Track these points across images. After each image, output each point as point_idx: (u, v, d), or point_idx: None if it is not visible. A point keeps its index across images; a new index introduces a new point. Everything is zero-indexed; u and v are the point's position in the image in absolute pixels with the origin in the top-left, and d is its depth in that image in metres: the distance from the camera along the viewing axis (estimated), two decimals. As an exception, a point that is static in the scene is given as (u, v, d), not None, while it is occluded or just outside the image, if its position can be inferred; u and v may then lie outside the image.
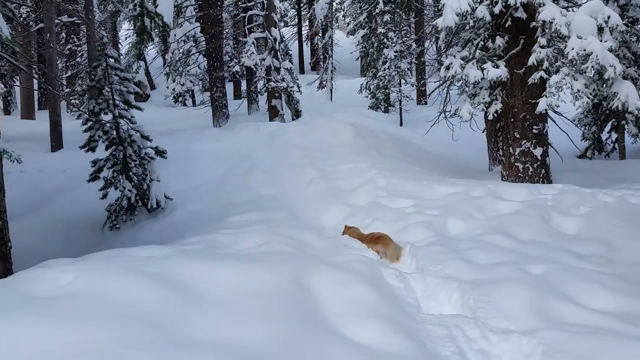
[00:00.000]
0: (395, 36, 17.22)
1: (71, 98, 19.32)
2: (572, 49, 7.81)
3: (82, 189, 9.80)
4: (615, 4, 11.96)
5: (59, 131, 13.95)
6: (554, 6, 8.19)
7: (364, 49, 21.60)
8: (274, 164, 11.09)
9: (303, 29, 31.02)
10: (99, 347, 2.78)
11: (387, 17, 18.40)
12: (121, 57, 24.66)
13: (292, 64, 17.98)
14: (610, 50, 7.93)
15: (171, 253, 4.88)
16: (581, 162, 12.56)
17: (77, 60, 22.20)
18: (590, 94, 9.06)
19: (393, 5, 18.50)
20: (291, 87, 15.24)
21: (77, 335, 2.84)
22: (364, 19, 20.37)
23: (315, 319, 3.74)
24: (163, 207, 9.41)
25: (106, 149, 9.44)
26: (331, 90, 21.30)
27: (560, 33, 8.00)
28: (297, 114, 15.58)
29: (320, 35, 26.76)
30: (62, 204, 10.16)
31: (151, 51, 26.72)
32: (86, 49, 17.70)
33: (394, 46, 16.90)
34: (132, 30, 22.59)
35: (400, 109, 16.74)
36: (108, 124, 9.41)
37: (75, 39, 22.21)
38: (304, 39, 31.09)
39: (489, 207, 7.06)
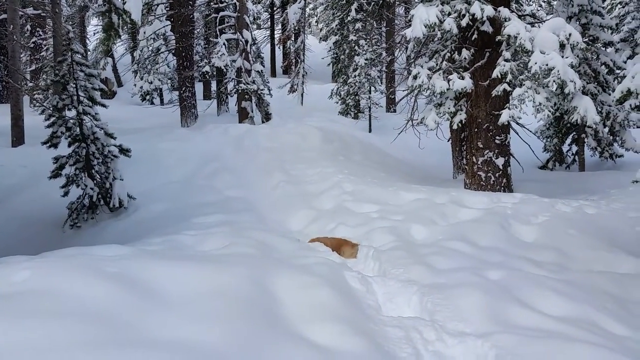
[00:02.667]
0: (366, 44, 17.44)
1: (34, 93, 18.82)
2: (535, 63, 8.08)
3: (43, 185, 9.56)
4: (577, 22, 12.45)
5: (20, 126, 13.57)
6: (519, 21, 8.46)
7: (335, 55, 21.78)
8: (242, 166, 11.05)
9: (276, 32, 31.04)
10: (53, 345, 2.72)
11: (358, 25, 18.61)
12: (89, 53, 24.18)
13: (263, 66, 17.98)
14: (571, 66, 8.24)
15: (131, 253, 4.81)
16: (542, 172, 12.96)
17: (42, 54, 21.64)
18: (552, 107, 9.40)
19: (365, 14, 18.73)
20: (262, 90, 15.23)
21: (29, 332, 2.77)
22: (336, 25, 20.57)
23: (276, 321, 3.74)
24: (126, 207, 9.26)
25: (69, 145, 9.24)
26: (302, 95, 21.37)
27: (524, 48, 8.27)
28: (267, 117, 15.57)
29: (293, 39, 26.83)
30: (22, 201, 9.89)
31: (119, 48, 26.25)
32: (52, 43, 17.28)
33: (365, 54, 17.10)
34: (100, 26, 22.17)
35: (370, 115, 16.93)
36: (71, 121, 9.22)
37: (40, 33, 21.65)
38: (276, 42, 31.11)
39: (451, 214, 7.22)
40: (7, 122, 13.74)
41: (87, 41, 26.20)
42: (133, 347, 2.93)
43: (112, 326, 3.11)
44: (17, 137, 13.46)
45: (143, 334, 3.13)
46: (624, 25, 19.12)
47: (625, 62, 16.79)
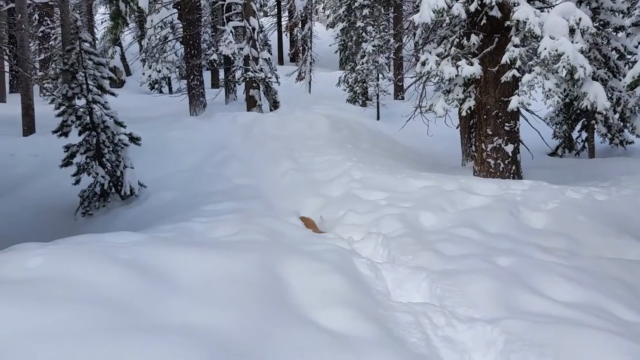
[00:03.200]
0: (374, 30, 17.31)
1: (44, 82, 18.90)
2: (545, 48, 7.98)
3: (54, 174, 9.65)
4: (588, 6, 12.27)
5: (31, 115, 13.65)
6: (528, 6, 8.35)
7: (342, 42, 21.69)
8: (250, 154, 11.09)
9: (283, 19, 30.87)
10: (67, 330, 2.77)
11: (366, 11, 18.49)
12: (97, 41, 24.22)
13: (270, 54, 17.93)
14: (581, 52, 8.13)
15: (143, 240, 4.86)
16: (551, 159, 12.87)
17: (50, 43, 21.70)
18: (561, 93, 9.29)
19: (372, 0, 18.58)
20: (269, 78, 15.21)
21: (44, 317, 2.82)
22: (344, 12, 20.46)
23: (286, 306, 3.78)
24: (137, 195, 9.34)
25: (79, 134, 9.31)
26: (309, 82, 21.31)
27: (534, 33, 8.17)
28: (274, 105, 15.56)
29: (300, 26, 26.71)
30: (33, 189, 9.99)
31: (127, 36, 26.26)
32: (60, 32, 17.30)
33: (373, 40, 16.99)
34: (107, 15, 22.15)
35: (378, 103, 16.87)
36: (81, 109, 9.27)
37: (48, 21, 21.69)
38: (283, 29, 30.96)
39: (460, 201, 7.21)
40: (18, 112, 13.84)
41: (95, 29, 26.20)
42: (146, 332, 2.98)
43: (126, 312, 3.16)
44: (28, 126, 13.55)
45: (155, 319, 3.18)
46: (635, 9, 18.78)
47: (636, 47, 16.50)
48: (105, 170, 9.41)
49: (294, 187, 9.02)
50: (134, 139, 9.61)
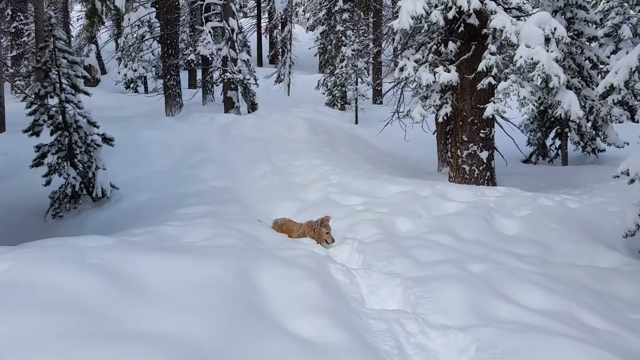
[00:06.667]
0: (353, 35, 17.37)
1: (16, 79, 18.47)
2: (521, 57, 8.10)
3: (25, 174, 9.41)
4: (562, 17, 12.52)
5: (1, 113, 13.30)
6: (505, 15, 8.47)
7: (322, 46, 21.73)
8: (227, 156, 10.99)
9: (262, 21, 30.75)
10: (32, 338, 2.70)
11: (346, 15, 18.54)
12: (72, 39, 23.78)
13: (249, 55, 17.84)
14: (556, 61, 8.27)
15: (114, 244, 4.77)
16: (525, 166, 13.06)
17: (23, 39, 21.19)
18: (536, 101, 9.44)
19: (352, 4, 18.65)
20: (248, 79, 15.12)
21: (7, 325, 2.74)
22: (323, 15, 20.50)
23: (260, 314, 3.75)
24: (109, 197, 9.16)
25: (51, 134, 9.10)
26: (288, 85, 21.26)
27: (510, 41, 8.28)
28: (253, 107, 15.47)
29: (280, 28, 26.65)
30: (2, 189, 9.73)
31: (103, 34, 25.83)
32: (33, 28, 16.93)
33: (352, 45, 17.04)
34: (83, 12, 21.76)
35: (356, 107, 16.92)
36: (54, 109, 9.07)
37: (22, 17, 21.19)
38: (263, 31, 30.83)
39: (436, 207, 7.27)
40: (-13, 109, 13.48)
41: (71, 27, 25.68)
42: (115, 339, 2.91)
43: (94, 318, 3.09)
44: (-2, 124, 13.22)
45: (125, 325, 3.11)
46: (607, 20, 19.30)
47: (608, 57, 16.97)
48: (77, 171, 9.22)
49: (271, 191, 8.97)
50: (107, 140, 9.44)
